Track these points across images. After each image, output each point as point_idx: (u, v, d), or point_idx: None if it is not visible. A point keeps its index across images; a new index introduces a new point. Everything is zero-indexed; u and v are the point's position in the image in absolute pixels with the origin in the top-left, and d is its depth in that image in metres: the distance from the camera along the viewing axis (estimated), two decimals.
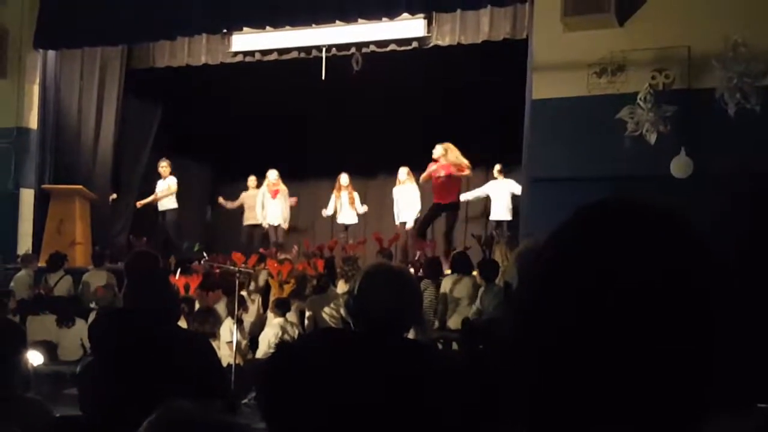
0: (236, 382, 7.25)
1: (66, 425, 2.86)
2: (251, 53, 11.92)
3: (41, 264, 10.67)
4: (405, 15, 10.60)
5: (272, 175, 12.14)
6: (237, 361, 7.68)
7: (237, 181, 13.50)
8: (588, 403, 0.74)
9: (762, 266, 1.33)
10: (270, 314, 8.63)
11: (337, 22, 10.97)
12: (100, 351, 2.99)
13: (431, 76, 11.75)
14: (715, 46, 8.10)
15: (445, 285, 8.41)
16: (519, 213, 10.86)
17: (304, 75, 11.53)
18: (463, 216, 12.57)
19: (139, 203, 12.60)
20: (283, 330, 8.08)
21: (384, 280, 2.16)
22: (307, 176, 13.46)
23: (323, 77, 11.33)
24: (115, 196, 12.75)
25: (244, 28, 11.44)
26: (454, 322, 8.07)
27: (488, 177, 11.94)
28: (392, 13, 10.58)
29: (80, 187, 11.72)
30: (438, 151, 10.51)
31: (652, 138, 8.26)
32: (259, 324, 8.88)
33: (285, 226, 12.29)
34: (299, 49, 11.67)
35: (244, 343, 8.29)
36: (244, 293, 9.00)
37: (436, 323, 8.26)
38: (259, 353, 8.18)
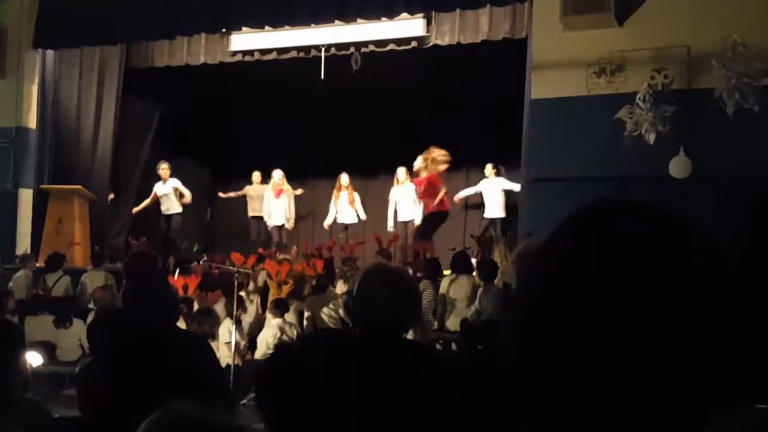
0: (235, 382, 7.24)
1: (64, 426, 2.85)
2: (250, 53, 11.93)
3: (40, 264, 10.66)
4: (404, 15, 10.62)
5: (277, 174, 12.14)
6: (236, 362, 7.68)
7: (236, 180, 13.48)
8: (588, 404, 0.74)
9: (761, 265, 1.33)
10: (268, 315, 8.62)
11: (336, 21, 10.98)
12: (98, 351, 2.99)
13: (430, 76, 11.75)
14: (714, 46, 8.11)
15: (444, 285, 8.41)
16: (513, 210, 10.95)
17: (303, 75, 11.54)
18: (462, 216, 12.60)
19: (135, 210, 12.52)
20: (282, 331, 8.08)
21: (383, 281, 2.15)
22: (306, 176, 13.45)
23: (322, 77, 11.33)
24: (112, 195, 12.74)
25: (243, 28, 11.45)
26: (452, 323, 8.07)
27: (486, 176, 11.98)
28: (391, 13, 10.59)
29: (79, 187, 11.71)
30: (418, 162, 10.60)
31: (651, 138, 8.26)
32: (258, 324, 8.87)
33: (288, 226, 12.26)
34: (298, 49, 11.68)
35: (242, 343, 8.28)
36: (242, 294, 8.99)
37: (435, 324, 8.26)
38: (258, 354, 8.17)
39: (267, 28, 11.30)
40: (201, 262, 10.08)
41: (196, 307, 8.55)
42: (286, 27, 11.23)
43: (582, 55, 8.87)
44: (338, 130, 12.77)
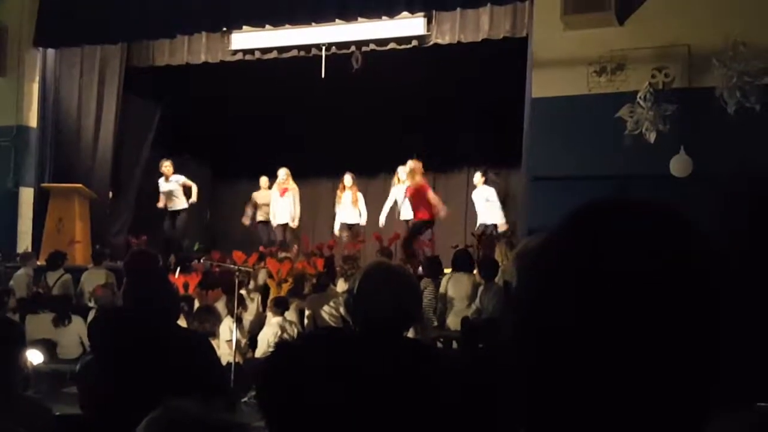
0: (235, 380, 7.24)
1: (65, 424, 2.86)
2: (251, 51, 11.92)
3: (40, 262, 10.66)
4: (405, 13, 10.61)
5: (281, 173, 12.05)
6: (236, 360, 7.68)
7: (236, 179, 13.48)
8: (588, 403, 0.74)
9: (761, 265, 1.33)
10: (269, 313, 8.63)
11: (337, 20, 10.97)
12: (99, 349, 2.99)
13: (431, 75, 11.75)
14: (715, 45, 8.10)
15: (445, 284, 8.40)
16: (503, 217, 10.96)
17: (304, 73, 11.53)
18: (462, 217, 12.59)
19: (159, 204, 12.09)
20: (283, 329, 8.08)
21: (384, 279, 2.15)
22: (307, 175, 13.45)
23: (323, 76, 11.33)
24: (111, 194, 12.72)
25: (244, 27, 11.44)
26: (453, 321, 8.07)
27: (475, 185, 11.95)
28: (392, 12, 10.58)
29: (80, 185, 11.72)
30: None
31: (652, 137, 8.26)
32: (259, 323, 8.88)
33: (293, 225, 12.21)
34: (299, 48, 11.67)
35: (243, 341, 8.29)
36: (243, 292, 9.00)
37: (436, 322, 8.25)
38: (259, 352, 8.18)
39: (268, 27, 11.29)
40: (202, 260, 10.08)
41: (196, 305, 8.55)
42: (287, 26, 11.23)
43: (583, 54, 8.87)
44: (339, 129, 12.76)
